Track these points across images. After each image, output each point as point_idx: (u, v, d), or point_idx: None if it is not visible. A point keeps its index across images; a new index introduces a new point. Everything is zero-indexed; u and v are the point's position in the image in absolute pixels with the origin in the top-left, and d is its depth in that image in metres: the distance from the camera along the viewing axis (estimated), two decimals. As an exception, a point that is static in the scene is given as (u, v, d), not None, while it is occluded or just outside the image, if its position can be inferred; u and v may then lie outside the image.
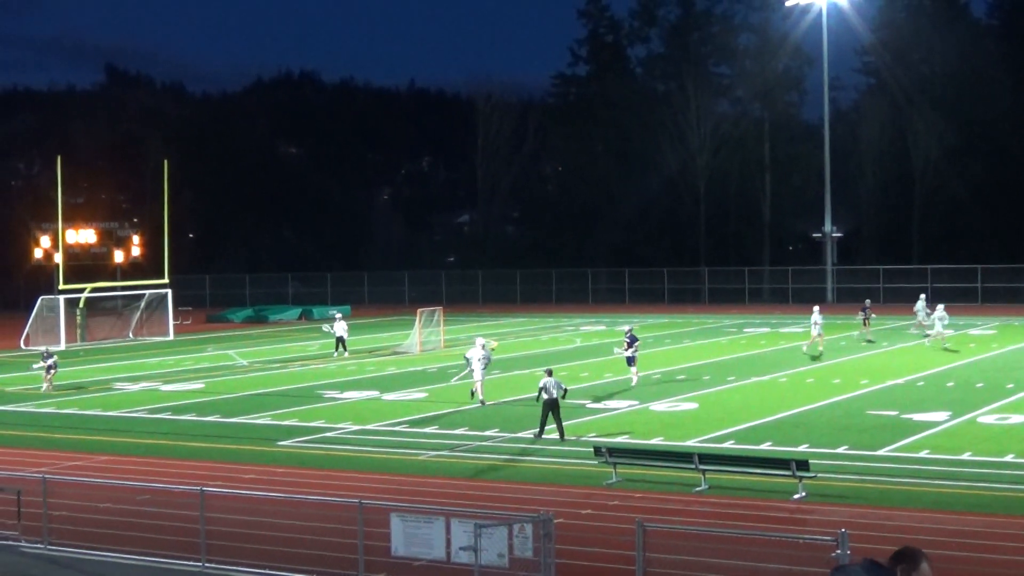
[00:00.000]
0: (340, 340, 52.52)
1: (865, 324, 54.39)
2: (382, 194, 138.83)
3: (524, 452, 28.24)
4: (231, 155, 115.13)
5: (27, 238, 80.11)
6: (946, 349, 48.15)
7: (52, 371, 42.29)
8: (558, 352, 52.41)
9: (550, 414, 29.14)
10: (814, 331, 48.15)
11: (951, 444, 27.68)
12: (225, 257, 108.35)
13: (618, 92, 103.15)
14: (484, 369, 35.97)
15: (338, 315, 55.38)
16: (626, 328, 41.20)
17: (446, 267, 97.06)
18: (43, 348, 44.56)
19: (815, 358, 46.88)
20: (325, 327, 55.95)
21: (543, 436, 29.32)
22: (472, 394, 35.81)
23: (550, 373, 29.72)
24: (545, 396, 29.07)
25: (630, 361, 39.07)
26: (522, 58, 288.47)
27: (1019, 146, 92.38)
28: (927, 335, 51.94)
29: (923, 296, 57.40)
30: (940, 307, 49.53)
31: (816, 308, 49.17)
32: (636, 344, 39.41)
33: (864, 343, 52.84)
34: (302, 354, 54.99)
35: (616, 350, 41.59)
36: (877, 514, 20.83)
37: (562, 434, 29.09)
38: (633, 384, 38.69)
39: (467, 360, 36.52)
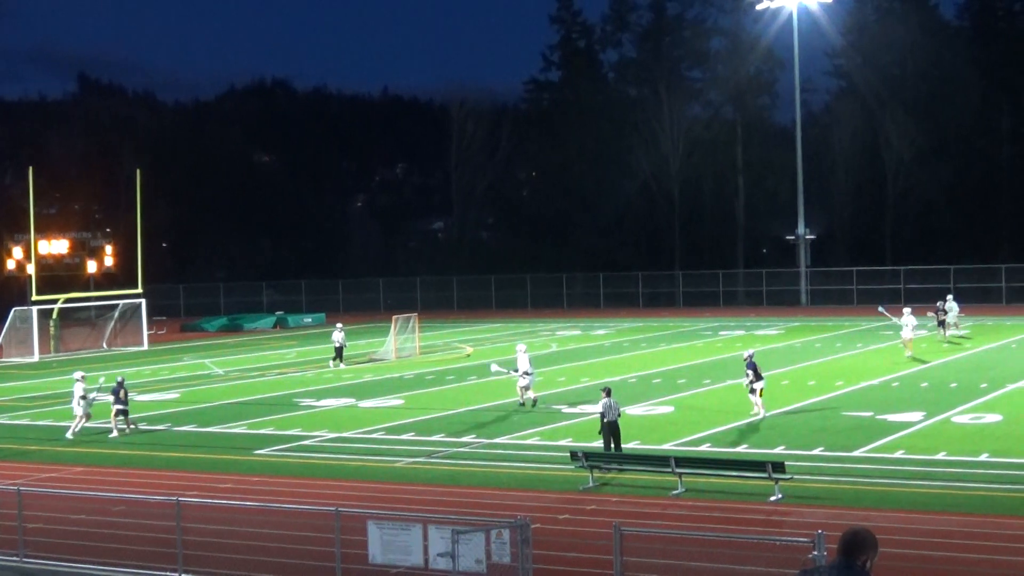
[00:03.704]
0: (339, 350, 52.09)
1: (942, 326, 52.47)
2: (356, 201, 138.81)
3: (501, 458, 28.23)
4: (204, 164, 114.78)
5: (-1, 249, 79.77)
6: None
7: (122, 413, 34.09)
8: (534, 357, 52.29)
9: (611, 437, 26.94)
10: (907, 333, 45.85)
11: (926, 444, 27.81)
12: (199, 266, 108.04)
13: (591, 97, 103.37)
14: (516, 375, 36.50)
15: (339, 324, 54.26)
16: (746, 354, 33.61)
17: (421, 273, 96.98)
18: (117, 379, 35.17)
19: (917, 359, 45.28)
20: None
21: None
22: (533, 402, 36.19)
23: (609, 393, 27.37)
24: (607, 419, 26.90)
25: (755, 391, 32.68)
26: (495, 64, 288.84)
27: (990, 147, 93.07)
28: (950, 333, 52.04)
29: (951, 296, 55.35)
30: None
31: (907, 310, 46.93)
32: (760, 375, 32.77)
33: (946, 345, 50.92)
34: (278, 362, 54.87)
35: (746, 381, 33.29)
36: (853, 515, 20.90)
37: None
38: (760, 415, 32.49)
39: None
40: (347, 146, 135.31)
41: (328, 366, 50.95)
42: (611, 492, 23.98)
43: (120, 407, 33.81)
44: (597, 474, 24.65)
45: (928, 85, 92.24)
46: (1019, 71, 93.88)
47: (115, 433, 33.64)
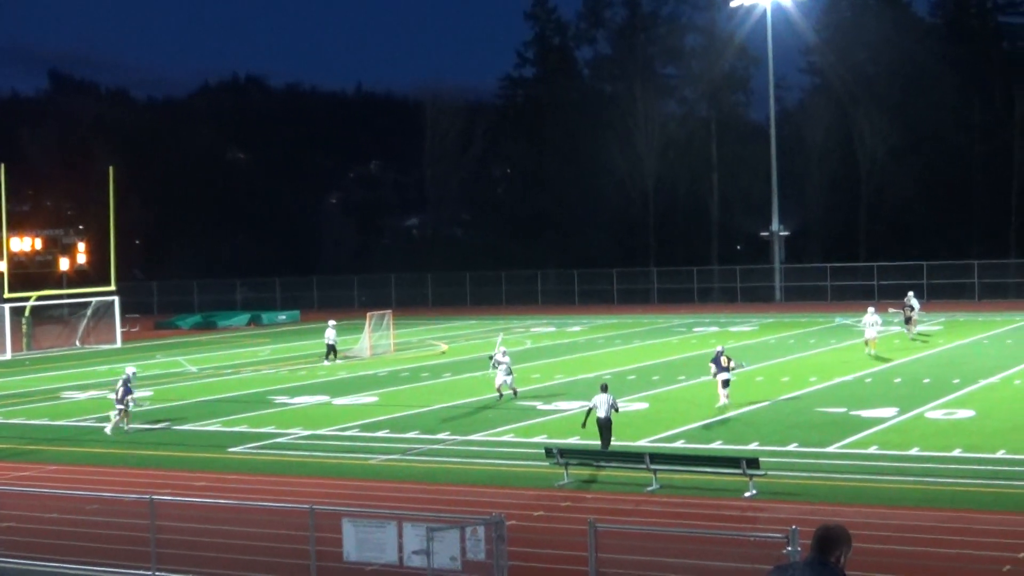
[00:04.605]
0: (331, 347, 51.70)
1: (909, 323, 51.78)
2: (330, 198, 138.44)
3: (476, 455, 28.23)
4: (178, 161, 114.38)
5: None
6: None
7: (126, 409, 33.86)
8: (509, 354, 52.29)
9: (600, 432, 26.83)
10: (870, 332, 45.63)
11: (899, 440, 27.93)
12: (173, 263, 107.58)
13: (566, 94, 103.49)
14: (500, 370, 37.61)
15: (331, 322, 53.89)
16: (719, 348, 34.56)
17: (395, 270, 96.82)
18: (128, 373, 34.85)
19: (880, 359, 44.78)
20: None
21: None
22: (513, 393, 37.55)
23: (605, 389, 27.41)
24: (599, 415, 26.75)
25: (725, 383, 33.57)
26: (469, 61, 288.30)
27: (962, 144, 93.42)
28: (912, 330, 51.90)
29: (912, 293, 54.34)
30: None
31: (871, 309, 46.78)
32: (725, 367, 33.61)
33: (920, 342, 50.82)
34: (252, 360, 54.73)
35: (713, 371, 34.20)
36: (827, 511, 20.95)
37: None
38: (723, 403, 33.41)
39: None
40: (321, 143, 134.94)
41: (321, 362, 50.91)
42: (586, 488, 24.01)
43: (120, 405, 33.58)
44: (572, 470, 24.68)
45: (901, 82, 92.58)
46: (992, 68, 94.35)
47: (128, 428, 33.42)
